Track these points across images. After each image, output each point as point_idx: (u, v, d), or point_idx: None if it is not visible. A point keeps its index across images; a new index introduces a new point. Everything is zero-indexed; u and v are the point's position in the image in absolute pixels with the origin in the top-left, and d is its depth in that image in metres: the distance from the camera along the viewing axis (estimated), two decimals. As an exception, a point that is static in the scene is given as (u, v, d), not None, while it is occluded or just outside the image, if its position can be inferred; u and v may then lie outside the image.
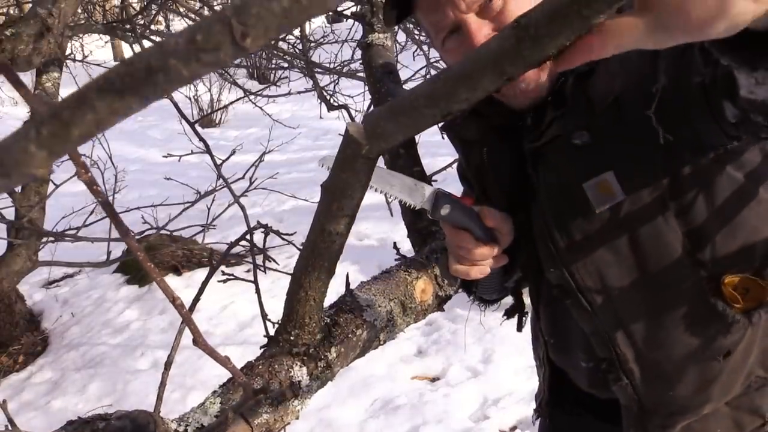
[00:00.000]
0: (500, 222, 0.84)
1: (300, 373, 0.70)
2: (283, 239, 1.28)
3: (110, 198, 3.10)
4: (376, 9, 1.39)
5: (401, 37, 3.37)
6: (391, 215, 2.34)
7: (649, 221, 0.76)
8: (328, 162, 0.73)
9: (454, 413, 2.65)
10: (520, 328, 1.03)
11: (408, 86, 2.26)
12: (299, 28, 2.71)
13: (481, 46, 0.43)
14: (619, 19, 0.43)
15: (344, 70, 3.18)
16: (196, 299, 0.86)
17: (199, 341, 0.34)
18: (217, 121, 8.27)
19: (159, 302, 3.81)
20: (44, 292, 4.20)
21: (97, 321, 3.79)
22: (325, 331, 0.74)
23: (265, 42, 0.20)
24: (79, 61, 3.35)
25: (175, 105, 1.86)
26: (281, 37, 3.51)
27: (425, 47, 3.22)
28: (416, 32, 3.21)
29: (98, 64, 3.38)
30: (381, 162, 1.28)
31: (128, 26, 2.64)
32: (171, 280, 3.92)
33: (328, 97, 2.75)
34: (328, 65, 3.24)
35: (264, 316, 1.08)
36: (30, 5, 2.10)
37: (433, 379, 2.95)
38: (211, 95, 7.81)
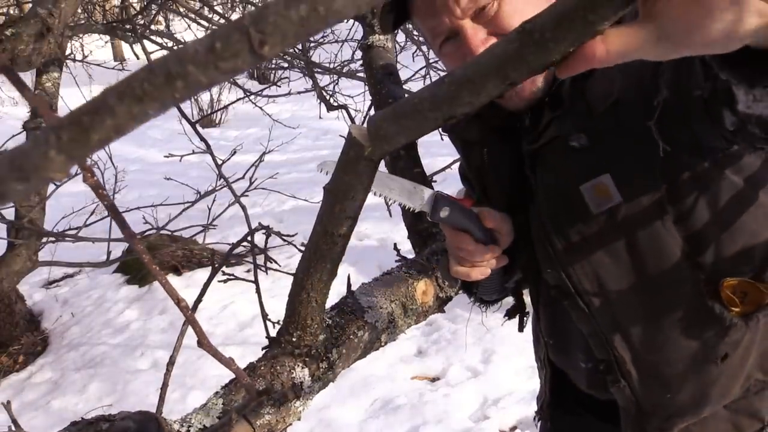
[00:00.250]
0: (500, 223, 0.84)
1: (302, 374, 0.70)
2: (283, 240, 1.28)
3: (107, 194, 3.10)
4: (376, 10, 1.40)
5: (401, 37, 3.37)
6: (390, 216, 2.34)
7: (647, 225, 0.77)
8: (327, 167, 0.73)
9: (454, 413, 2.65)
10: (521, 328, 1.03)
11: (408, 87, 2.27)
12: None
13: (486, 51, 0.43)
14: (623, 28, 0.43)
15: (344, 70, 3.18)
16: (198, 300, 0.87)
17: (203, 343, 0.34)
18: (217, 121, 8.27)
19: (159, 302, 3.82)
20: (44, 292, 4.20)
21: (97, 321, 3.79)
22: (327, 332, 0.74)
23: (282, 50, 0.21)
24: (79, 61, 3.35)
25: (176, 105, 1.85)
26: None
27: (425, 48, 3.23)
28: (416, 33, 3.21)
29: (98, 64, 3.39)
30: (381, 164, 1.28)
31: (128, 26, 2.64)
32: (171, 280, 3.91)
33: (327, 97, 2.75)
34: (328, 65, 3.24)
35: (264, 316, 1.08)
36: (30, 5, 2.10)
37: (433, 379, 2.95)
38: (211, 95, 7.81)
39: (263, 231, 1.14)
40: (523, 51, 0.39)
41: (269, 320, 1.03)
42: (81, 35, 3.75)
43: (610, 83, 0.74)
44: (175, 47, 3.14)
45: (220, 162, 1.81)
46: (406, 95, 1.45)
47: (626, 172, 0.75)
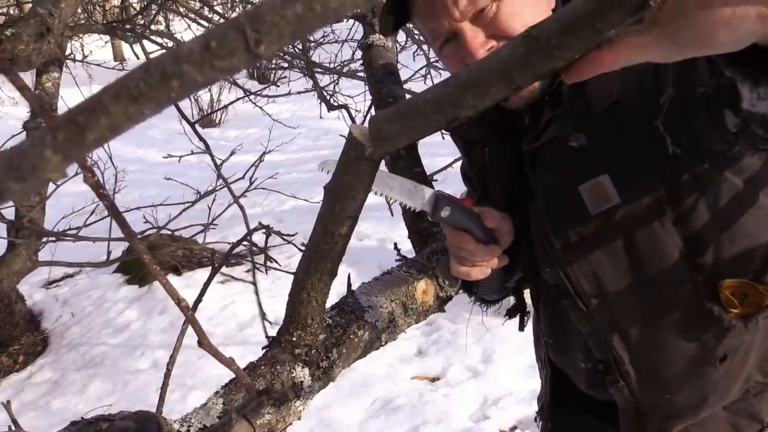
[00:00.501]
0: (500, 223, 0.84)
1: (302, 374, 0.70)
2: (283, 239, 1.28)
3: (108, 194, 3.09)
4: (377, 10, 1.40)
5: (401, 37, 3.37)
6: (392, 215, 2.34)
7: (645, 226, 0.77)
8: (328, 166, 0.73)
9: (454, 413, 2.65)
10: (521, 327, 1.03)
11: (408, 86, 2.27)
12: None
13: (491, 55, 0.43)
14: (631, 34, 0.43)
15: (344, 70, 3.18)
16: (198, 300, 0.87)
17: (204, 343, 0.34)
18: (217, 121, 8.27)
19: (159, 302, 3.82)
20: (44, 292, 4.20)
21: (97, 321, 3.79)
22: (327, 332, 0.74)
23: (278, 48, 0.21)
24: (79, 61, 3.35)
25: (176, 105, 1.85)
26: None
27: (425, 47, 3.23)
28: (416, 32, 3.21)
29: (98, 64, 3.39)
30: (381, 163, 1.28)
31: (128, 26, 2.64)
32: (171, 280, 3.89)
33: (328, 97, 2.75)
34: (328, 65, 3.24)
35: (263, 317, 1.08)
36: (30, 5, 2.10)
37: (433, 379, 2.95)
38: (211, 95, 7.82)
39: (263, 231, 1.14)
40: (529, 56, 0.39)
41: (267, 321, 1.03)
42: (81, 35, 3.75)
43: (609, 84, 0.74)
44: (175, 47, 3.14)
45: (219, 162, 1.80)
46: (407, 95, 1.45)
47: (625, 173, 0.75)
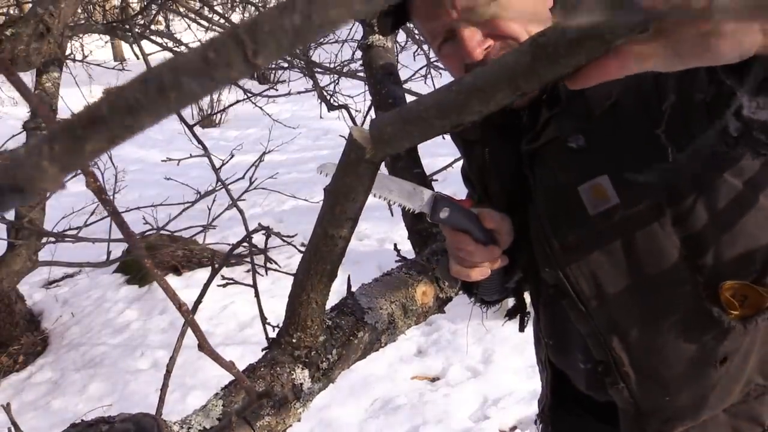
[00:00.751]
0: (500, 223, 0.84)
1: (302, 375, 0.70)
2: (283, 240, 1.28)
3: (110, 198, 3.09)
4: (376, 29, 1.40)
5: (401, 37, 3.37)
6: (392, 215, 2.34)
7: (644, 227, 0.76)
8: (327, 169, 0.73)
9: (454, 413, 2.65)
10: (522, 328, 1.03)
11: (408, 87, 2.26)
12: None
13: (496, 61, 0.43)
14: (637, 43, 0.43)
15: (344, 70, 3.18)
16: (198, 302, 0.87)
17: (204, 347, 0.34)
18: (217, 121, 8.27)
19: (159, 302, 3.82)
20: (44, 292, 4.20)
21: (97, 321, 3.80)
22: (327, 333, 0.74)
23: (276, 59, 0.20)
24: (79, 61, 3.35)
25: (171, 114, 1.85)
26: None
27: (425, 47, 3.23)
28: (416, 32, 3.21)
29: (98, 64, 3.39)
30: (381, 165, 1.28)
31: (128, 26, 2.64)
32: (171, 280, 3.93)
33: (328, 97, 2.75)
34: (328, 65, 3.24)
35: (264, 320, 1.08)
36: (30, 5, 2.10)
37: (433, 379, 2.95)
38: (211, 96, 7.81)
39: (263, 231, 1.14)
40: (535, 64, 0.39)
41: (269, 324, 1.03)
42: (81, 35, 3.75)
43: (608, 85, 0.74)
44: (175, 47, 3.14)
45: (218, 164, 1.80)
46: (407, 95, 1.45)
47: (624, 174, 0.75)
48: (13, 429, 0.68)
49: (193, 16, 3.28)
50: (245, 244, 1.21)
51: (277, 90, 3.34)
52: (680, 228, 0.76)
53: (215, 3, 3.50)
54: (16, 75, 0.40)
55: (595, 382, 0.92)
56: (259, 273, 1.23)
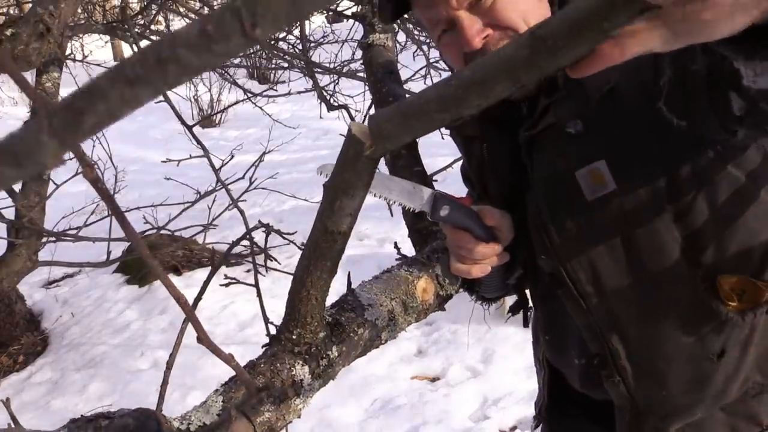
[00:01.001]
0: (500, 220, 0.84)
1: (302, 371, 0.70)
2: (284, 238, 1.28)
3: (106, 188, 3.10)
4: (376, 9, 1.40)
5: (401, 37, 3.37)
6: (392, 215, 2.34)
7: (642, 215, 0.76)
8: (327, 170, 0.73)
9: (454, 413, 2.65)
10: (526, 323, 1.02)
11: (408, 86, 2.26)
12: (299, 27, 2.71)
13: (494, 53, 0.43)
14: (634, 27, 0.44)
15: (344, 70, 3.18)
16: (198, 298, 0.87)
17: (203, 339, 0.34)
18: (217, 121, 8.27)
19: (159, 302, 3.82)
20: (44, 292, 4.20)
21: (97, 321, 3.79)
22: (327, 330, 0.74)
23: (274, 32, 0.21)
24: (79, 61, 3.35)
25: (173, 108, 1.86)
26: (281, 36, 3.52)
27: (425, 47, 3.23)
28: (416, 32, 3.21)
29: (98, 64, 3.39)
30: (381, 164, 1.28)
31: (128, 26, 2.64)
32: (171, 280, 3.92)
33: (328, 97, 2.75)
34: (328, 65, 3.24)
35: (266, 319, 1.08)
36: (30, 5, 2.10)
37: (433, 379, 2.95)
38: (211, 95, 7.81)
39: (263, 229, 1.14)
40: (534, 57, 0.39)
41: (271, 323, 1.03)
42: (81, 35, 3.75)
43: (607, 70, 0.74)
44: (172, 32, 3.14)
45: (218, 164, 1.80)
46: (407, 94, 1.45)
47: (622, 159, 0.75)
48: (12, 424, 0.68)
49: (192, 16, 3.28)
50: (246, 242, 1.21)
51: (276, 90, 3.34)
52: (680, 220, 0.76)
53: (215, 3, 3.50)
54: (17, 71, 0.40)
55: (589, 379, 0.92)
56: (260, 272, 1.23)
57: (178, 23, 5.15)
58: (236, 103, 2.78)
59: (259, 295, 1.06)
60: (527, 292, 1.01)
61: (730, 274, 0.77)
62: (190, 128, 1.73)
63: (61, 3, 1.96)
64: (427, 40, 3.24)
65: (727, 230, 0.76)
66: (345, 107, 2.49)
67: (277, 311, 0.96)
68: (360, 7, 1.70)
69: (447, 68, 1.06)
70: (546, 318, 0.97)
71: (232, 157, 2.35)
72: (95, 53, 5.10)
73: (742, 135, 0.69)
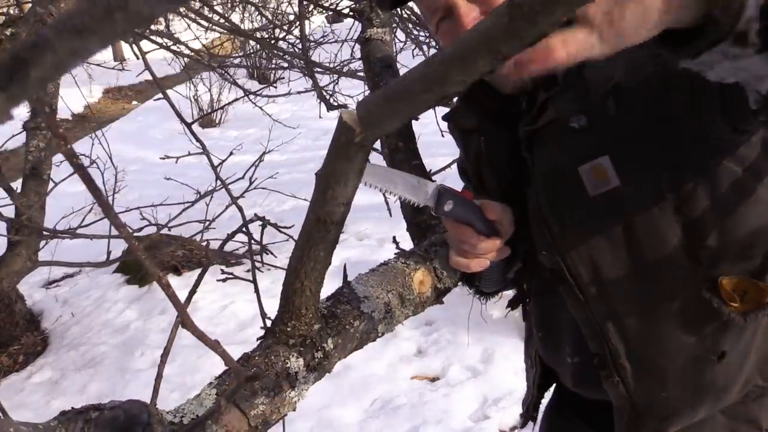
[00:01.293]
0: (501, 214, 0.83)
1: (296, 364, 0.69)
2: (280, 231, 1.27)
3: (110, 198, 3.10)
4: (374, 4, 1.39)
5: (401, 36, 3.37)
6: (390, 215, 2.33)
7: (644, 211, 0.75)
8: None
9: (454, 413, 2.64)
10: (525, 317, 1.02)
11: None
12: (299, 27, 2.70)
13: (474, 27, 0.42)
14: (569, 32, 0.47)
15: (344, 70, 3.18)
16: (192, 292, 0.86)
17: (187, 323, 0.33)
18: (217, 121, 8.28)
19: (159, 302, 3.81)
20: (44, 292, 4.20)
21: (97, 321, 3.79)
22: (322, 322, 0.74)
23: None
24: (79, 60, 3.34)
25: (172, 105, 1.85)
26: (281, 36, 3.51)
27: (425, 47, 3.22)
28: (415, 31, 3.21)
29: (98, 64, 3.39)
30: (382, 160, 1.28)
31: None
32: (171, 280, 3.92)
33: (327, 97, 2.74)
34: (327, 65, 3.23)
35: (263, 313, 1.07)
36: (30, 5, 2.10)
37: (433, 379, 2.94)
38: (211, 95, 7.82)
39: (259, 223, 1.14)
40: (512, 25, 0.38)
41: (269, 319, 1.02)
42: (81, 35, 3.74)
43: (612, 65, 0.73)
44: (175, 47, 3.14)
45: (217, 163, 1.80)
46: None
47: (625, 155, 0.74)
48: (1, 415, 0.68)
49: (192, 15, 3.28)
50: (244, 239, 1.20)
51: (276, 87, 3.33)
52: (681, 215, 0.75)
53: (215, 3, 3.50)
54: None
55: (582, 378, 0.91)
56: (258, 269, 1.23)
57: (178, 23, 5.15)
58: (236, 100, 2.77)
59: (256, 290, 1.06)
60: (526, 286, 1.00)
61: (731, 271, 0.76)
62: (189, 125, 1.73)
63: (61, 3, 1.96)
64: (427, 40, 3.23)
65: (727, 226, 0.75)
66: (345, 107, 2.49)
67: (276, 310, 0.95)
68: (358, 3, 1.70)
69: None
70: (540, 314, 0.96)
71: (232, 154, 2.34)
72: (96, 54, 5.10)
73: (747, 134, 0.69)
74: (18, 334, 3.61)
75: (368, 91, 1.69)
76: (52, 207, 2.31)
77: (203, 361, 3.09)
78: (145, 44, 2.70)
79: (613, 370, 0.82)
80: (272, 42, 3.38)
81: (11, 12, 3.37)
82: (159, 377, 0.70)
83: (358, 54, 2.51)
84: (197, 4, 3.78)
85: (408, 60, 3.41)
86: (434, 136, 2.47)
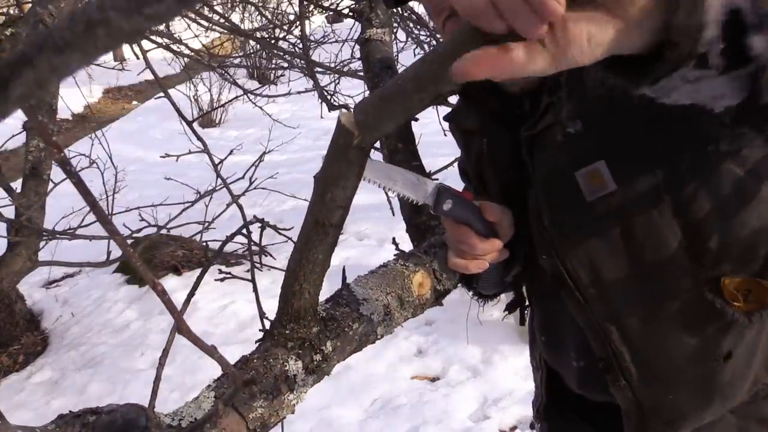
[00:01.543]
0: (501, 216, 0.83)
1: (295, 366, 0.69)
2: (279, 233, 1.27)
3: (110, 198, 3.10)
4: (374, 5, 1.39)
5: (402, 36, 3.37)
6: (393, 215, 2.33)
7: (643, 213, 0.75)
8: None
9: (454, 413, 2.64)
10: (522, 321, 1.01)
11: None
12: (299, 27, 2.70)
13: (466, 23, 0.41)
14: (525, 47, 0.44)
15: (344, 70, 3.17)
16: (191, 293, 0.86)
17: (183, 329, 0.33)
18: (217, 121, 8.28)
19: (159, 302, 3.78)
20: (44, 292, 4.20)
21: (97, 321, 3.79)
22: (321, 324, 0.73)
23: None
24: (79, 60, 3.34)
25: (173, 103, 1.85)
26: (281, 36, 3.51)
27: (425, 47, 3.22)
28: (416, 31, 3.21)
29: (98, 64, 3.38)
30: (381, 158, 1.28)
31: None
32: (171, 280, 3.92)
33: (328, 97, 2.74)
34: (328, 65, 3.23)
35: (262, 315, 1.07)
36: (30, 5, 2.10)
37: (433, 379, 2.94)
38: (211, 95, 7.82)
39: (259, 224, 1.13)
40: None
41: (267, 319, 1.02)
42: (81, 35, 3.74)
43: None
44: (175, 46, 3.14)
45: (217, 162, 1.80)
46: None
47: (621, 159, 0.74)
48: (-1, 420, 0.67)
49: (192, 15, 3.28)
50: (244, 240, 1.20)
51: (276, 86, 3.33)
52: (680, 216, 0.74)
53: (215, 3, 3.50)
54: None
55: (587, 381, 0.91)
56: (258, 269, 1.22)
57: (178, 23, 5.15)
58: (236, 98, 2.77)
59: (255, 291, 1.05)
60: (524, 289, 1.00)
61: (734, 272, 0.76)
62: (189, 123, 1.73)
63: (61, 3, 1.96)
64: (428, 39, 3.23)
65: (729, 226, 0.75)
66: (345, 107, 2.48)
67: (275, 310, 0.95)
68: (358, 3, 1.70)
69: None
70: (544, 318, 0.96)
71: (232, 153, 2.34)
72: (96, 53, 5.09)
73: (745, 135, 0.68)
74: (18, 334, 3.61)
75: (368, 91, 1.68)
76: (52, 207, 2.30)
77: (203, 360, 3.08)
78: (145, 44, 2.69)
79: (619, 374, 0.82)
80: (272, 42, 3.38)
81: (11, 12, 3.37)
82: (157, 380, 0.69)
83: (358, 54, 2.51)
84: (197, 4, 3.77)
85: (408, 60, 3.41)
86: (435, 137, 2.47)
